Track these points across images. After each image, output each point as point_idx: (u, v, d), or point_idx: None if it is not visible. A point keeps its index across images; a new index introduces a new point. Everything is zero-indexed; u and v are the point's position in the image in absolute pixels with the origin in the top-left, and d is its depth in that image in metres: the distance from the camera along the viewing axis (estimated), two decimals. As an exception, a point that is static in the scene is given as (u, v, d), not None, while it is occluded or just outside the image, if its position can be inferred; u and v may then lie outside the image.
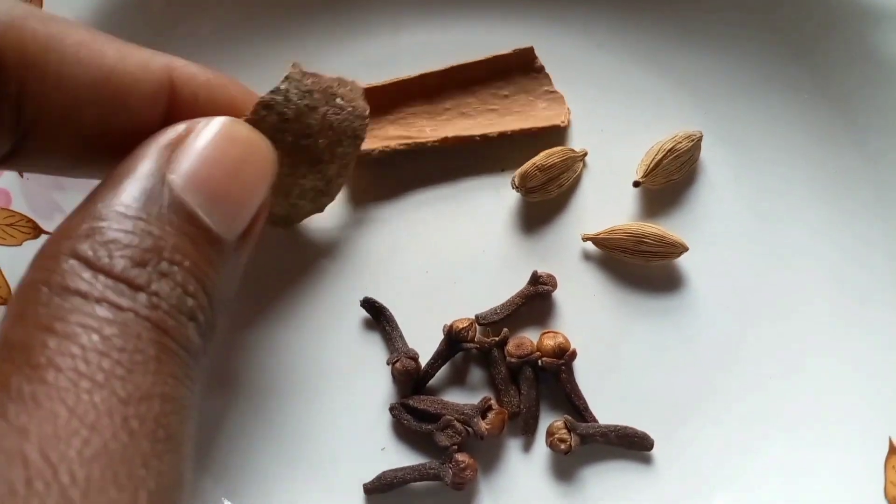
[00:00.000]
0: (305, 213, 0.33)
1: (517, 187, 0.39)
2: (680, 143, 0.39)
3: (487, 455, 0.36)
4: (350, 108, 0.32)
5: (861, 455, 0.34)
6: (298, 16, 0.42)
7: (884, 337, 0.36)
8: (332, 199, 0.34)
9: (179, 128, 0.23)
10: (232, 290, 0.24)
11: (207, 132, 0.23)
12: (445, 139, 0.40)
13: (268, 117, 0.27)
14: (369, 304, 0.38)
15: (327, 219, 0.39)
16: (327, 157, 0.30)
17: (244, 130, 0.25)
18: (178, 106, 0.27)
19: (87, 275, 0.20)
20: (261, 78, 0.40)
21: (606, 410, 0.36)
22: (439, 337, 0.37)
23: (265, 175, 0.25)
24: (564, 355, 0.36)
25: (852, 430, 0.34)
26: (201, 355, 0.22)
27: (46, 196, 0.38)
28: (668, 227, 0.38)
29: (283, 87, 0.28)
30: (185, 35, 0.41)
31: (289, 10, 0.42)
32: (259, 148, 0.25)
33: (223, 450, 0.36)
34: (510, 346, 0.36)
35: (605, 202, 0.40)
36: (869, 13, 0.38)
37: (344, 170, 0.32)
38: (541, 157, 0.38)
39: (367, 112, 0.33)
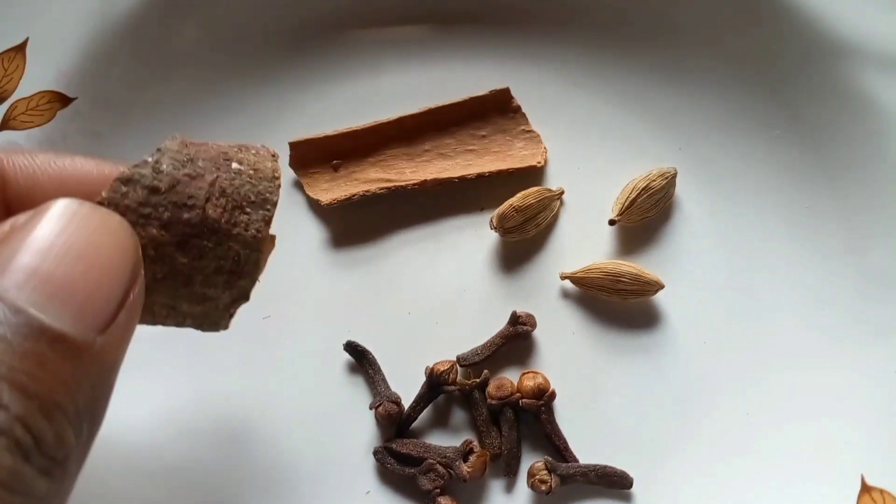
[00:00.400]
0: (226, 305, 0.27)
1: (495, 228, 0.39)
2: (654, 180, 0.39)
3: (470, 497, 0.36)
4: (251, 172, 0.26)
5: (834, 492, 0.34)
6: (278, 59, 0.43)
7: (857, 374, 0.36)
8: (252, 280, 0.27)
9: (4, 226, 0.20)
10: (103, 398, 0.20)
11: (37, 221, 0.20)
12: (424, 182, 0.41)
13: (131, 193, 0.23)
14: (352, 348, 0.38)
15: (309, 262, 0.40)
16: (226, 227, 0.25)
17: (84, 209, 0.20)
18: (14, 202, 0.24)
19: None
20: (241, 123, 0.42)
21: (586, 449, 0.37)
22: (422, 378, 0.37)
23: (119, 256, 0.21)
24: (544, 396, 0.36)
25: (826, 467, 0.35)
26: (47, 495, 0.17)
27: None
28: (644, 264, 0.39)
29: (150, 158, 0.24)
30: (167, 85, 0.42)
31: (268, 54, 0.43)
32: (107, 226, 0.21)
33: (206, 494, 0.36)
34: (490, 388, 0.37)
35: (583, 240, 0.40)
36: (841, 50, 0.39)
37: (255, 242, 0.26)
38: (517, 199, 0.39)
39: (279, 174, 0.27)
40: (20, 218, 0.20)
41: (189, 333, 0.39)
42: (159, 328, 0.26)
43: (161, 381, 0.38)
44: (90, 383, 0.19)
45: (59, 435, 0.18)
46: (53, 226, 0.19)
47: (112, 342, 0.20)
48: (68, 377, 0.18)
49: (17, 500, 0.17)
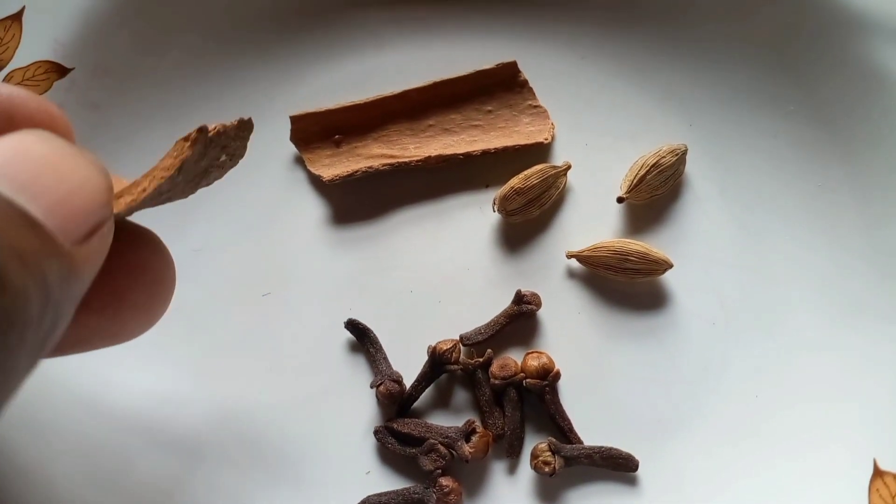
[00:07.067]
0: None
1: (497, 210, 0.38)
2: (664, 157, 0.38)
3: (472, 478, 0.35)
4: (231, 164, 0.27)
5: (846, 477, 0.33)
6: (281, 31, 0.42)
7: (870, 355, 0.36)
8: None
9: None
10: (66, 306, 0.19)
11: (18, 134, 0.19)
12: (428, 158, 0.40)
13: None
14: (353, 326, 0.38)
15: (310, 239, 0.39)
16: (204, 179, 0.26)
17: (60, 139, 0.20)
18: None
19: None
20: (241, 95, 0.41)
21: (591, 430, 0.36)
22: (424, 356, 0.37)
23: (91, 183, 0.20)
24: (548, 376, 0.36)
25: (837, 452, 0.34)
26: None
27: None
28: (652, 243, 0.38)
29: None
30: (166, 55, 0.41)
31: (270, 26, 0.42)
32: (83, 156, 0.20)
33: (207, 474, 0.36)
34: (494, 368, 0.36)
35: (590, 217, 0.39)
36: (856, 25, 0.38)
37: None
38: (518, 180, 0.38)
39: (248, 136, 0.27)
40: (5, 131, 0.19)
41: (190, 312, 0.39)
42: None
43: (160, 358, 0.38)
44: (58, 275, 0.18)
45: (22, 288, 0.17)
46: (30, 138, 0.19)
47: (83, 258, 0.19)
48: (38, 248, 0.17)
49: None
